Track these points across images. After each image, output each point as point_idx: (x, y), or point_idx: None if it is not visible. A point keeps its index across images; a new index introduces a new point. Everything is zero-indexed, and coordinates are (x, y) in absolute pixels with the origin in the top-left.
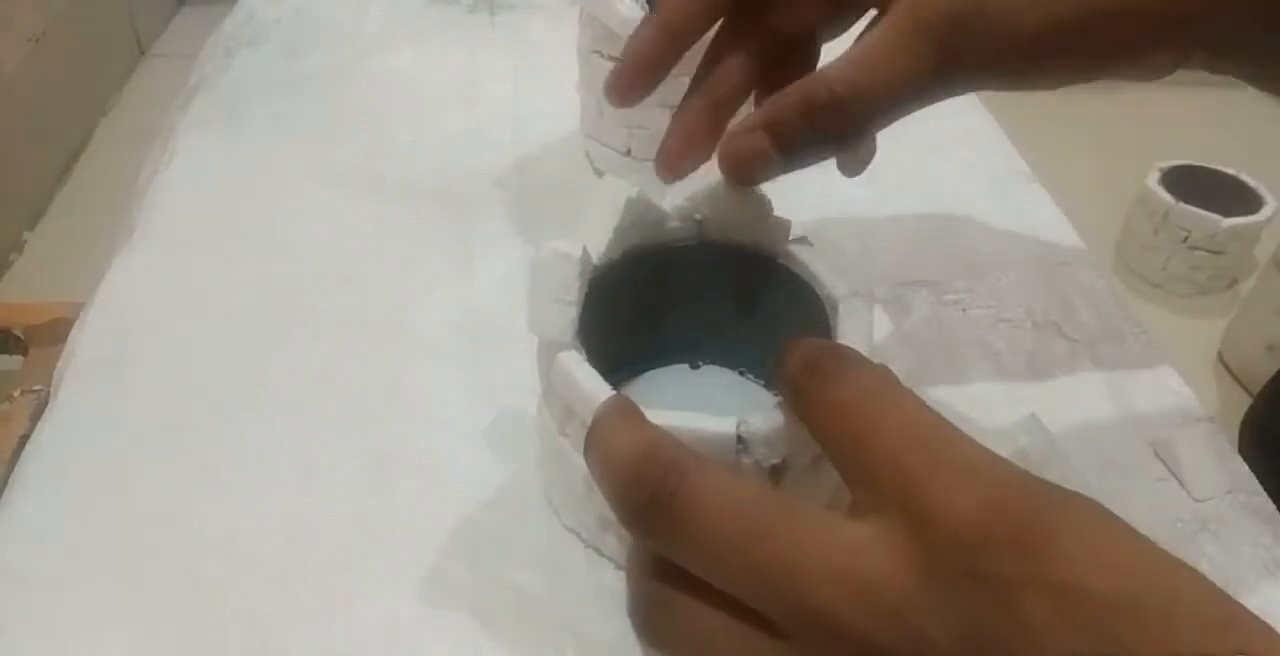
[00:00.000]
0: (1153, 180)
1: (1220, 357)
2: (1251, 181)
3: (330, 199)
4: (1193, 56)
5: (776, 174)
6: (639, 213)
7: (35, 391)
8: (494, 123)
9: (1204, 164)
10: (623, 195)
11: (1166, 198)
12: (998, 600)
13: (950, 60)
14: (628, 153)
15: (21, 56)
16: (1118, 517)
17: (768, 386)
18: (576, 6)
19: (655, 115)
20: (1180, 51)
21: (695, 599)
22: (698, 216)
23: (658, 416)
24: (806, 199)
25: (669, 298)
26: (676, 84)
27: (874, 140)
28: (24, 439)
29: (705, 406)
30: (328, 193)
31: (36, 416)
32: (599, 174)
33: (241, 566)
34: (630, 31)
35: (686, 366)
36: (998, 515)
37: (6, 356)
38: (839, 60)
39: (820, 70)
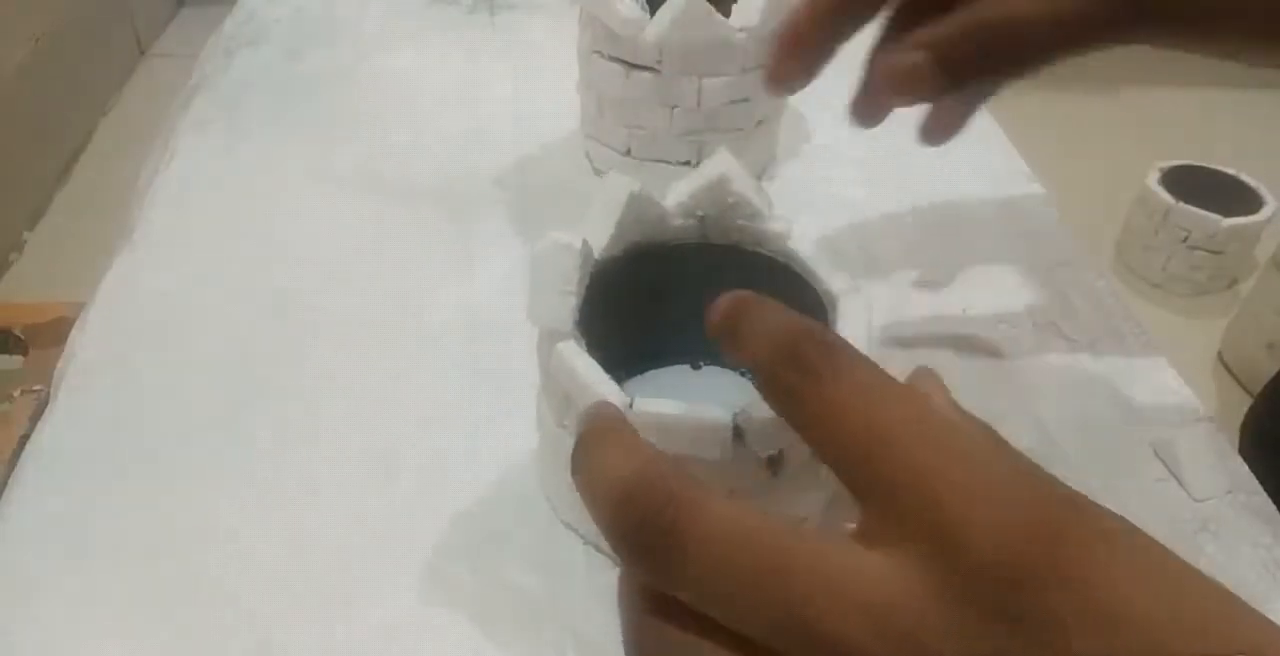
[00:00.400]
0: (1153, 180)
1: (1220, 357)
2: (1251, 181)
3: (331, 199)
4: None
5: (933, 96)
6: (641, 209)
7: (35, 391)
8: (494, 123)
9: (1204, 164)
10: (625, 191)
11: (1166, 197)
12: (1042, 639)
13: (1134, 5)
14: (628, 152)
15: (22, 56)
16: (1148, 537)
17: None
18: (576, 6)
19: (655, 115)
20: None
21: (697, 636)
22: (699, 214)
23: (653, 405)
24: (807, 199)
25: (669, 296)
26: (676, 82)
27: (967, 118)
28: (24, 439)
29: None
30: (328, 192)
31: (37, 416)
32: (599, 173)
33: (242, 566)
34: (632, 31)
35: (687, 366)
36: (1032, 542)
37: (7, 356)
38: None
39: None
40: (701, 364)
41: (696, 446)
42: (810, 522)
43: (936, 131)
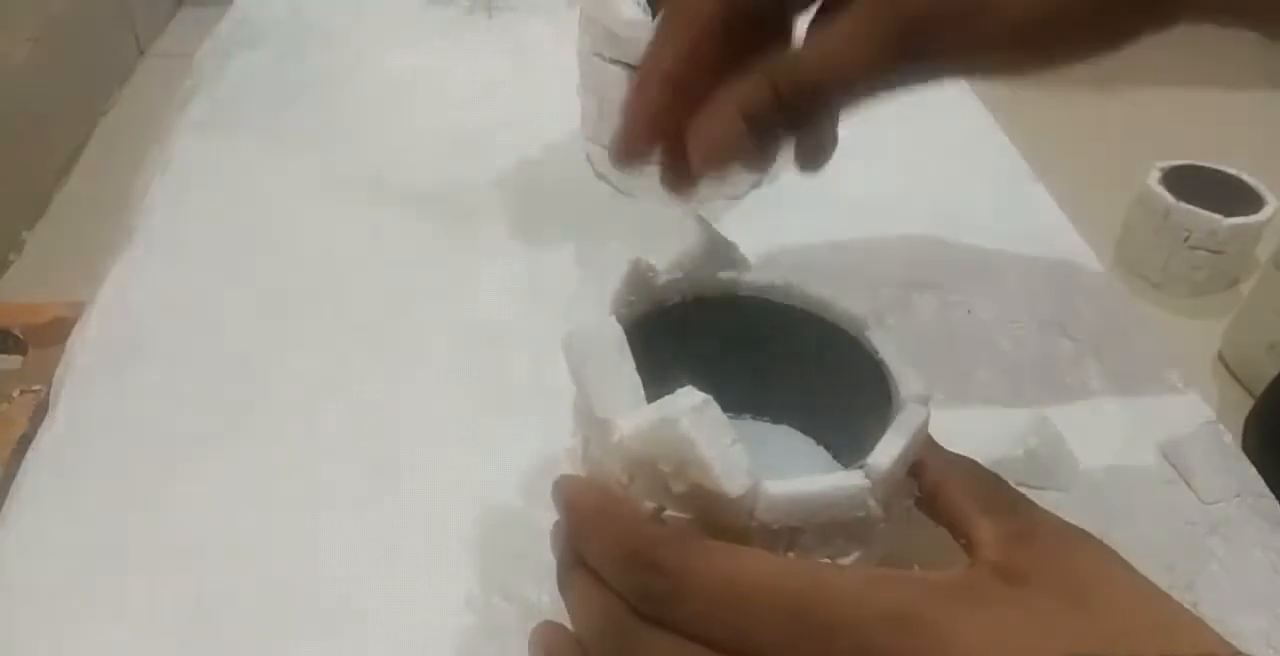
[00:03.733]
0: (1153, 180)
1: (1221, 357)
2: (1252, 181)
3: (329, 203)
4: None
5: (743, 159)
6: (635, 278)
7: (35, 391)
8: (493, 125)
9: (1204, 163)
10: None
11: (1167, 197)
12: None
13: (921, 45)
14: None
15: (21, 56)
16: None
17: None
18: (574, 7)
19: None
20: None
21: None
22: (680, 274)
23: (785, 485)
24: (808, 199)
25: (674, 361)
26: None
27: (835, 133)
28: (23, 439)
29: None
30: (327, 196)
31: (36, 416)
32: (600, 176)
33: (243, 576)
34: (633, 33)
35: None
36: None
37: (6, 356)
38: (807, 39)
39: (783, 57)
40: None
41: (836, 514)
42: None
43: (809, 159)
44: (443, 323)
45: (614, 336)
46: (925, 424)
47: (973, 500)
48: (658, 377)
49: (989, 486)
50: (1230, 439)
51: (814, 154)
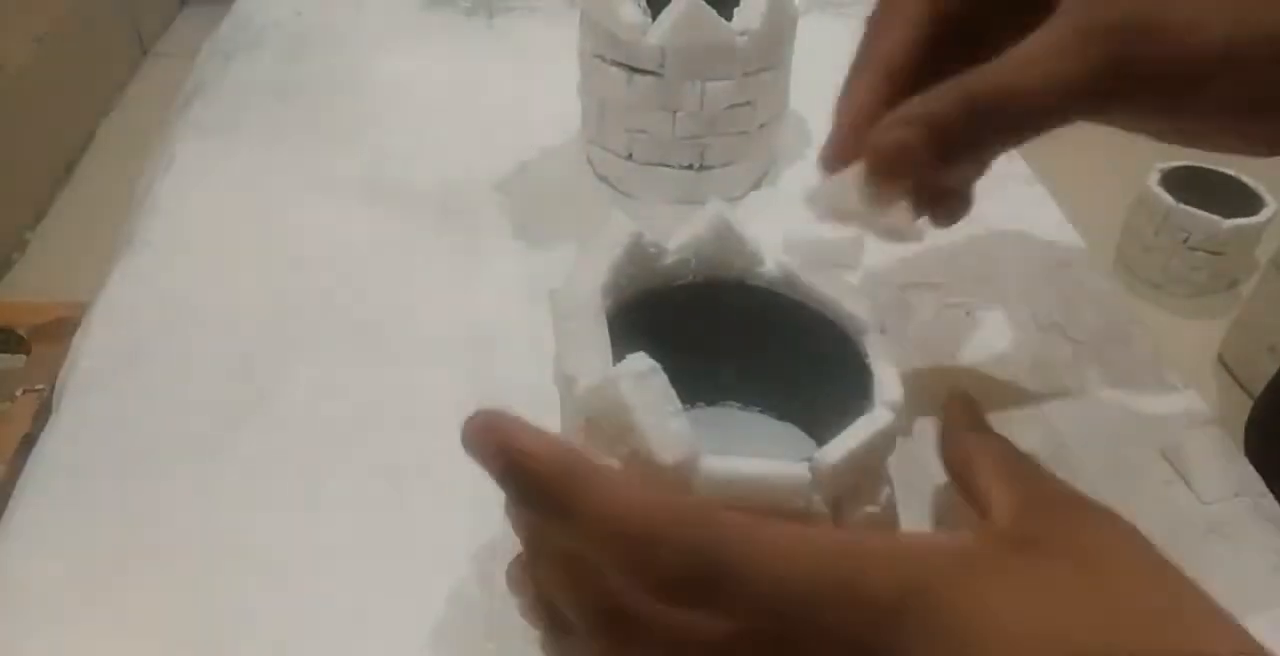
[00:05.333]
0: (1153, 181)
1: (1220, 359)
2: (1251, 182)
3: (330, 204)
4: None
5: (922, 173)
6: (638, 252)
7: (37, 390)
8: (494, 126)
9: (1204, 165)
10: (626, 235)
11: (1167, 199)
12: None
13: (1115, 71)
14: (629, 156)
15: (24, 56)
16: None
17: (781, 419)
18: (574, 9)
19: (657, 119)
20: None
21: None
22: (689, 255)
23: (726, 462)
24: (801, 197)
25: (671, 339)
26: (678, 86)
27: (971, 197)
28: (27, 438)
29: (731, 447)
30: (328, 198)
31: (39, 415)
32: (601, 178)
33: (246, 580)
34: (633, 35)
35: (703, 404)
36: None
37: (9, 355)
38: (999, 58)
39: (979, 67)
40: (717, 402)
41: (774, 500)
42: None
43: (944, 217)
44: (444, 323)
45: (595, 299)
46: (889, 430)
47: (996, 468)
48: (650, 353)
49: (1015, 458)
50: (1230, 439)
51: (946, 218)
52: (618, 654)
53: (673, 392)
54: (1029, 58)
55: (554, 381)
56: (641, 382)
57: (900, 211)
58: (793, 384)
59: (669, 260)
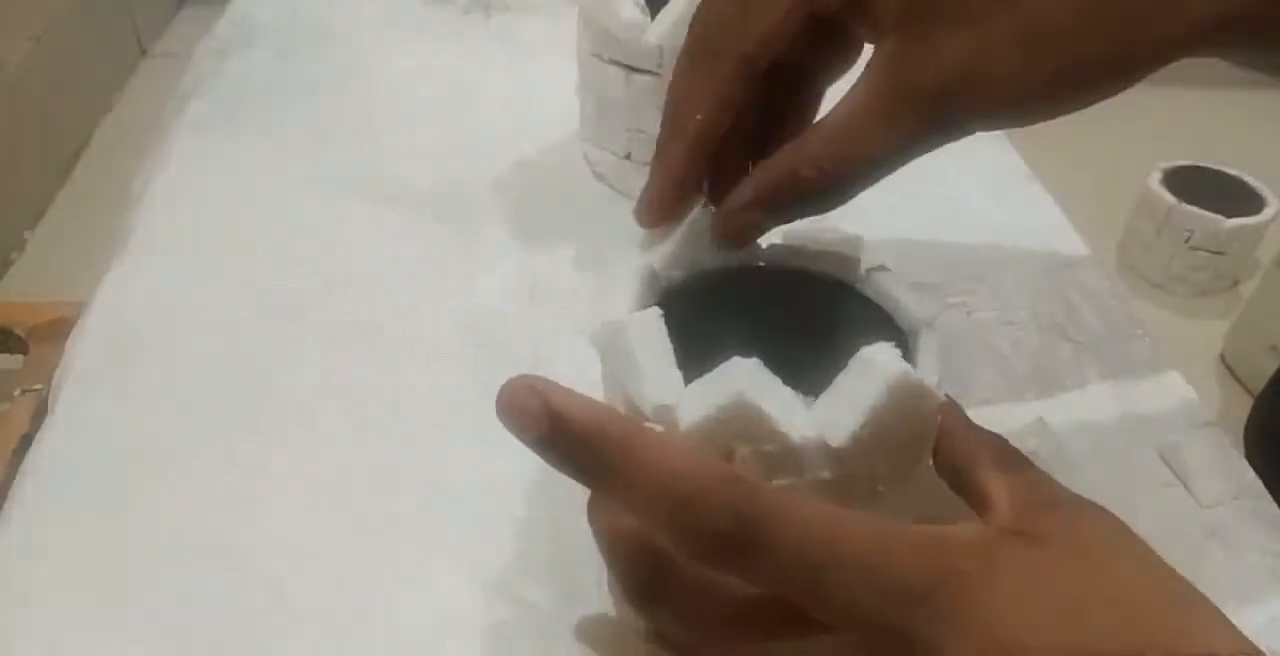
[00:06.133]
0: (1154, 180)
1: (1223, 359)
2: (1254, 182)
3: (328, 203)
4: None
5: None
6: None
7: (36, 390)
8: (491, 125)
9: (1206, 164)
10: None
11: (1168, 198)
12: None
13: (938, 125)
14: (627, 156)
15: (23, 56)
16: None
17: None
18: (572, 7)
19: (656, 119)
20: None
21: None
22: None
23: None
24: None
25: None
26: None
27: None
28: (24, 438)
29: None
30: (325, 197)
31: (37, 416)
32: (599, 178)
33: (244, 582)
34: (632, 34)
35: None
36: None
37: (7, 355)
38: (823, 125)
39: (804, 142)
40: None
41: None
42: None
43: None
44: (442, 322)
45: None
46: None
47: (997, 464)
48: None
49: (1014, 456)
50: (1229, 441)
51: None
52: (659, 617)
53: (665, 338)
54: (849, 127)
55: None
56: (642, 328)
57: None
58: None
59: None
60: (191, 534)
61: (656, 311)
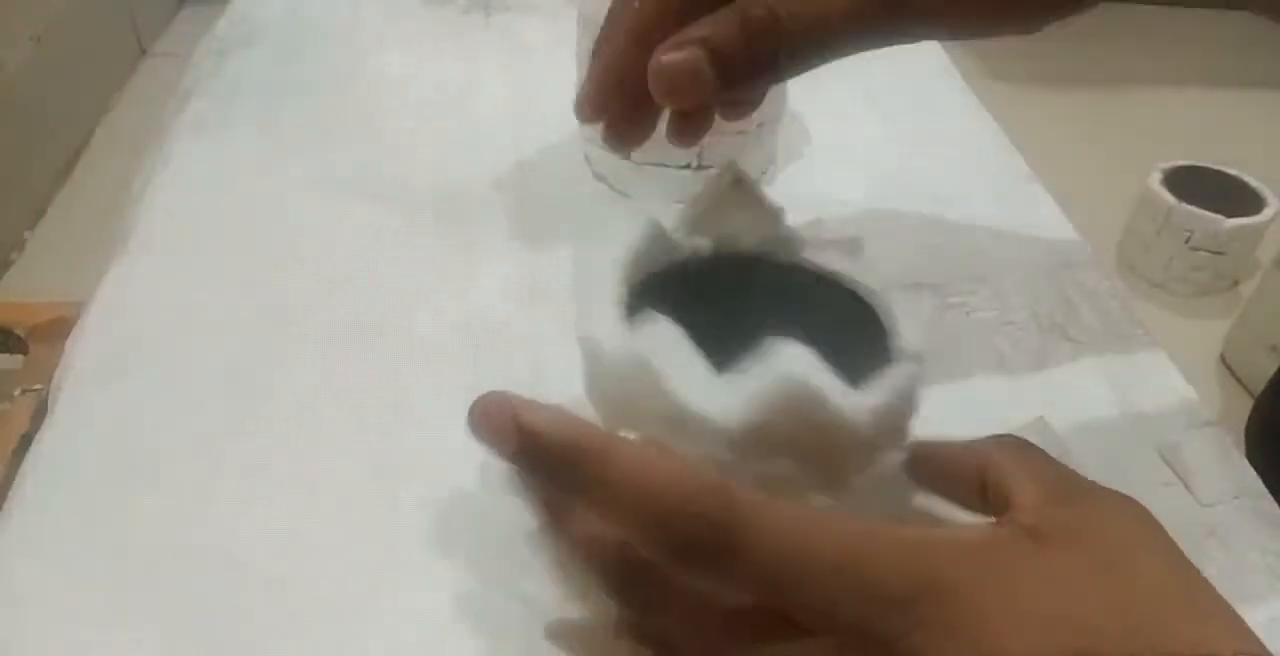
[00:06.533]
0: (1154, 180)
1: (1223, 359)
2: (1254, 182)
3: (327, 203)
4: None
5: (707, 98)
6: (653, 238)
7: (36, 390)
8: (491, 125)
9: (1206, 164)
10: (638, 224)
11: (1168, 198)
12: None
13: (891, 8)
14: (627, 156)
15: (22, 56)
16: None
17: None
18: (572, 7)
19: None
20: None
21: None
22: (706, 237)
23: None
24: (808, 201)
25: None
26: None
27: (764, 92)
28: (24, 437)
29: None
30: (325, 197)
31: (37, 415)
32: (598, 178)
33: (244, 582)
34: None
35: None
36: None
37: (7, 355)
38: None
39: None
40: None
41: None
42: None
43: (733, 109)
44: (441, 323)
45: (613, 273)
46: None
47: (1016, 463)
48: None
49: (1033, 452)
50: (1229, 441)
51: (735, 109)
52: (640, 618)
53: (622, 287)
54: None
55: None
56: (663, 339)
57: None
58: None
59: (684, 240)
60: (191, 533)
61: (621, 257)
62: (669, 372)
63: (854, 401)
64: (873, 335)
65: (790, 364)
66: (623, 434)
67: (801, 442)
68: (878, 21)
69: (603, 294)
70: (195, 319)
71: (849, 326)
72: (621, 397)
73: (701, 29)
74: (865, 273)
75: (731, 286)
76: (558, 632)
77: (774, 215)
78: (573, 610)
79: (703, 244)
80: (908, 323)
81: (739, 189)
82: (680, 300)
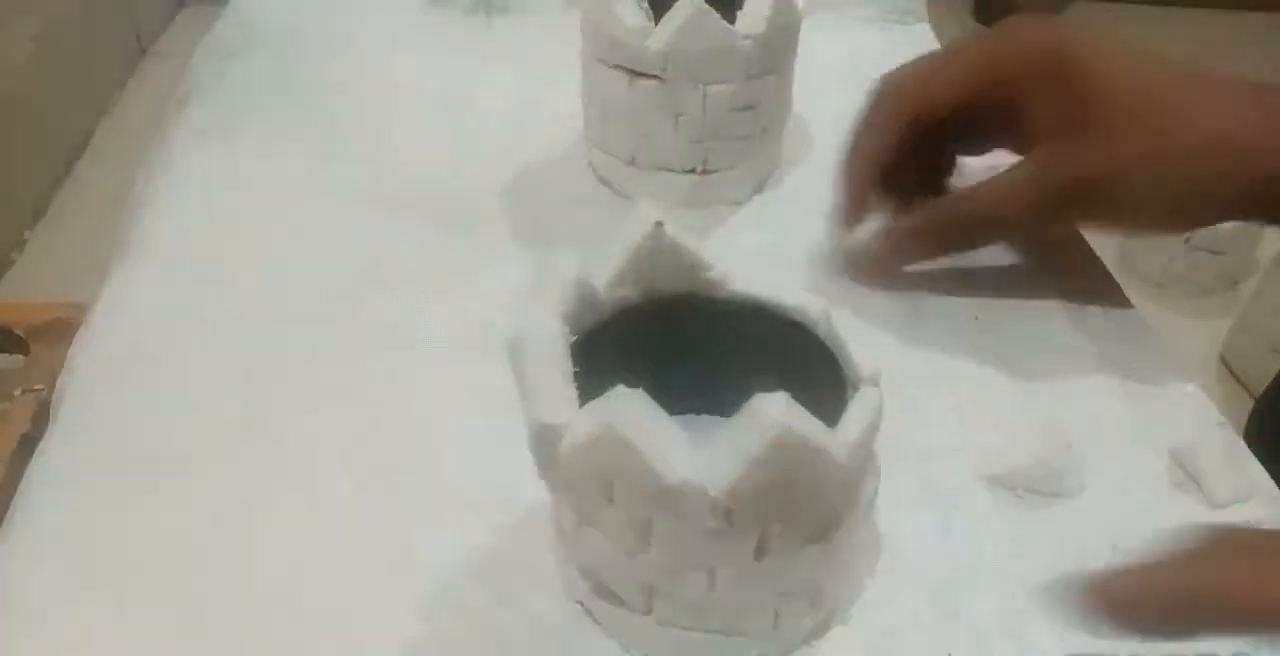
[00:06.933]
0: None
1: (1222, 359)
2: None
3: (329, 208)
4: None
5: (918, 260)
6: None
7: (37, 391)
8: (494, 129)
9: None
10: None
11: None
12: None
13: (1059, 213)
14: (632, 161)
15: (22, 56)
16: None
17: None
18: (574, 10)
19: (659, 123)
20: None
21: None
22: (625, 290)
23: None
24: (812, 206)
25: (642, 374)
26: (681, 90)
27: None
28: (25, 438)
29: None
30: (326, 202)
31: (37, 416)
32: (602, 182)
33: (247, 589)
34: (634, 40)
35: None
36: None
37: (7, 356)
38: (977, 187)
39: (968, 193)
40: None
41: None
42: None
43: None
44: (445, 327)
45: (555, 344)
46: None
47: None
48: (605, 386)
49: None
50: (1241, 441)
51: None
52: None
53: (569, 361)
54: (997, 195)
55: (528, 443)
56: (541, 345)
57: None
58: (754, 384)
59: (608, 293)
60: (196, 538)
61: (561, 328)
62: (649, 447)
63: (836, 441)
64: (820, 360)
65: (768, 414)
66: (600, 517)
67: (793, 493)
68: (1055, 214)
69: (551, 374)
70: (200, 323)
71: (798, 357)
72: (598, 479)
73: (926, 217)
74: (804, 294)
75: (671, 332)
76: (559, 633)
77: (698, 261)
78: (581, 627)
79: (630, 294)
80: (856, 346)
81: (658, 239)
82: (621, 358)
